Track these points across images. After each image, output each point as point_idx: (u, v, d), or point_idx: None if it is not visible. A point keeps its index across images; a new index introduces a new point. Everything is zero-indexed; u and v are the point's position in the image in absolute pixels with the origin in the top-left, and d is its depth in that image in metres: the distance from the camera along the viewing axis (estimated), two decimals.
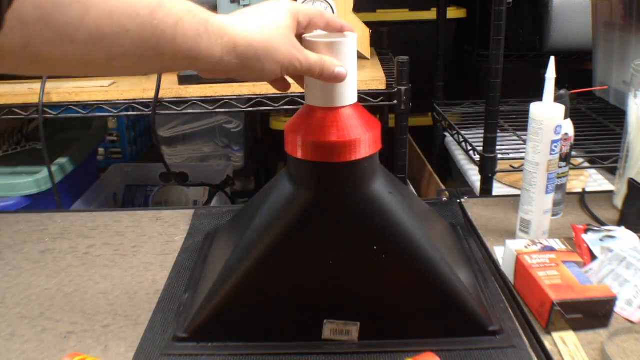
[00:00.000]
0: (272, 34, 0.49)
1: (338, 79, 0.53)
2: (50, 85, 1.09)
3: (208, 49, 0.45)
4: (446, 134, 1.56)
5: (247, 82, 0.56)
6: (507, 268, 0.70)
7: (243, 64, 0.48)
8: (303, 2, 1.12)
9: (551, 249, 0.68)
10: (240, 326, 0.61)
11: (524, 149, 0.75)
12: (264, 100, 1.08)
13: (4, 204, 1.13)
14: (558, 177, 0.82)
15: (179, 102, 1.08)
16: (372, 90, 1.08)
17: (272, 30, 0.49)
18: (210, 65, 0.47)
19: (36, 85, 1.08)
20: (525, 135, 0.75)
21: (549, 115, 0.71)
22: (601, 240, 0.71)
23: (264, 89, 1.07)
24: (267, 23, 0.49)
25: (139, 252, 0.80)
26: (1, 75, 1.15)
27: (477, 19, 1.83)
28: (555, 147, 0.72)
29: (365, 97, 1.07)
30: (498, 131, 1.07)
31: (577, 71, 1.62)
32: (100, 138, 1.53)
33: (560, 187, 0.83)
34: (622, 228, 0.74)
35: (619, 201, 0.86)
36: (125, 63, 0.43)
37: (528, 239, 0.73)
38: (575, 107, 1.42)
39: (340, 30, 0.56)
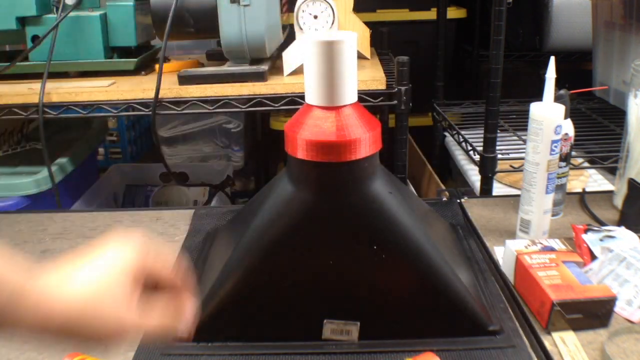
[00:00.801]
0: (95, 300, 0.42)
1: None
2: (50, 85, 1.09)
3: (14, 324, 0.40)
4: (446, 134, 1.56)
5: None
6: (507, 268, 0.70)
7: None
8: (303, 2, 1.12)
9: (551, 249, 0.68)
10: (240, 326, 0.61)
11: (524, 149, 0.75)
12: (264, 100, 1.08)
13: (4, 204, 1.13)
14: (558, 177, 0.82)
15: (179, 102, 1.08)
16: (372, 90, 1.08)
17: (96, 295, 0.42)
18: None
19: (36, 85, 1.08)
20: (525, 135, 0.75)
21: (549, 115, 0.71)
22: (601, 240, 0.71)
23: (264, 89, 1.07)
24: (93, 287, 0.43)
25: None
26: (1, 75, 1.15)
27: (477, 19, 1.83)
28: (555, 147, 0.72)
29: (365, 97, 1.07)
30: (498, 131, 1.07)
31: (577, 71, 1.62)
32: (100, 138, 1.53)
33: (560, 187, 0.83)
34: (622, 228, 0.74)
35: (619, 201, 0.86)
36: None
37: (528, 239, 0.73)
38: (575, 107, 1.42)
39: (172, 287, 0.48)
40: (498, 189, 1.19)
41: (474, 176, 1.28)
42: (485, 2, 1.80)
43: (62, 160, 1.22)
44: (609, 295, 0.61)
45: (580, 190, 0.99)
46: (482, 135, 1.07)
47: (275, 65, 1.17)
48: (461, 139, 1.23)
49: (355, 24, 1.21)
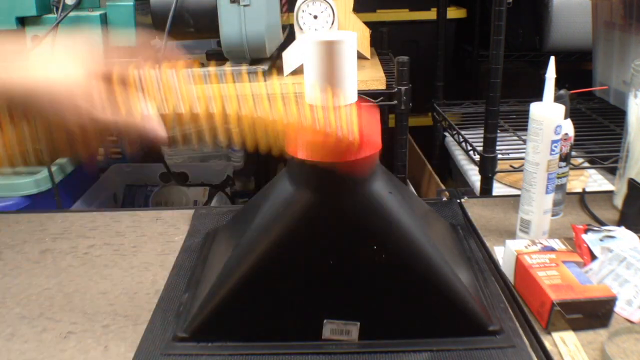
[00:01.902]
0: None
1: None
2: None
3: None
4: (446, 134, 1.56)
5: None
6: (507, 268, 0.70)
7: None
8: (303, 2, 1.12)
9: (551, 249, 0.68)
10: (240, 326, 0.61)
11: (524, 149, 0.75)
12: None
13: (4, 204, 1.13)
14: (558, 177, 0.82)
15: None
16: (372, 90, 1.08)
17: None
18: None
19: None
20: (525, 135, 0.75)
21: (549, 115, 0.71)
22: (601, 240, 0.71)
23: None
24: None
25: (139, 252, 0.80)
26: None
27: (477, 19, 1.84)
28: (555, 147, 0.72)
29: (365, 97, 1.07)
30: (498, 131, 1.07)
31: (577, 71, 1.62)
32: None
33: (560, 187, 0.83)
34: (622, 228, 0.74)
35: (619, 201, 0.86)
36: None
37: (528, 239, 0.73)
38: (575, 107, 1.42)
39: None
40: (498, 189, 1.19)
41: (474, 176, 1.28)
42: (485, 2, 1.81)
43: (62, 160, 1.22)
44: (609, 295, 0.61)
45: (580, 190, 0.99)
46: (482, 135, 1.07)
47: (275, 65, 1.17)
48: (461, 139, 1.23)
49: (355, 24, 1.21)
